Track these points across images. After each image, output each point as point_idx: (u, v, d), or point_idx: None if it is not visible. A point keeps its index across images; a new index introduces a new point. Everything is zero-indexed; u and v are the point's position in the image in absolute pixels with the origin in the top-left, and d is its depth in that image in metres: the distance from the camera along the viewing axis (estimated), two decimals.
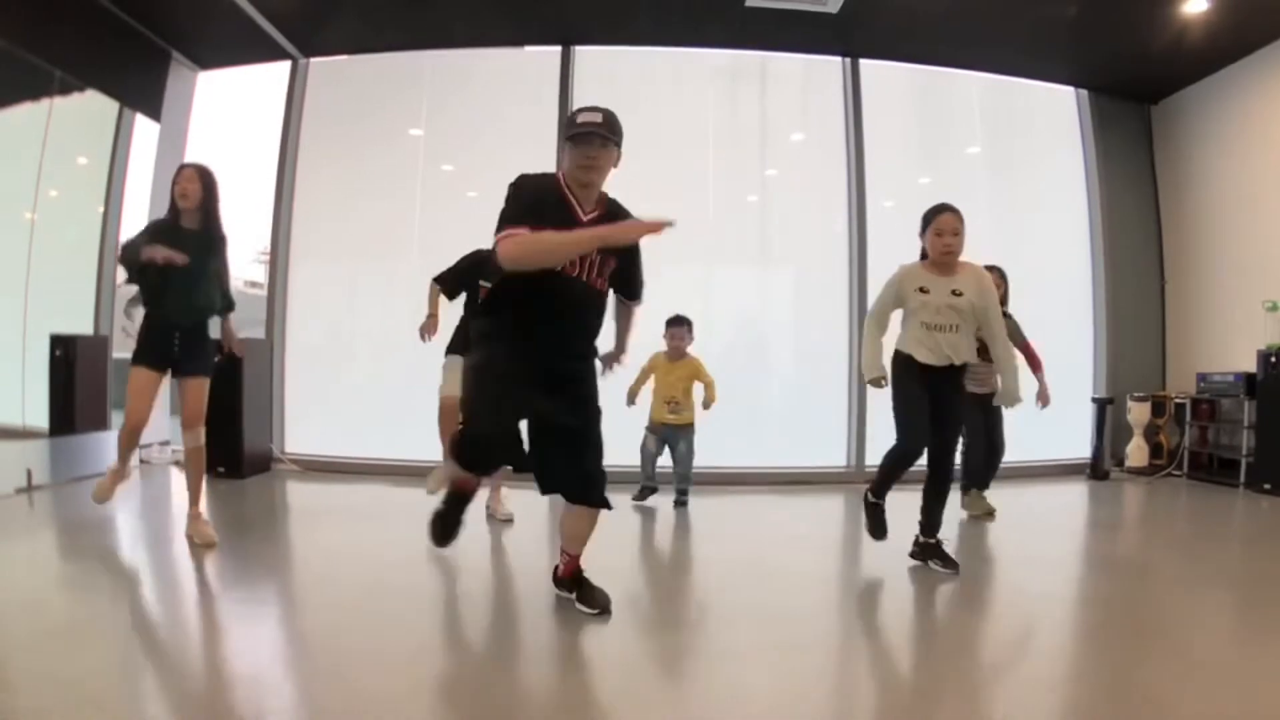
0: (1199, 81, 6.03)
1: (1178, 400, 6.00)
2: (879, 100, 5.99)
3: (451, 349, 3.92)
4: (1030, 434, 5.72)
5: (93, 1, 4.97)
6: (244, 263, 7.76)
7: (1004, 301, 4.32)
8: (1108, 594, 3.05)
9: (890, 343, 3.26)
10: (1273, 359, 5.19)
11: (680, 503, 4.53)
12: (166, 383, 3.46)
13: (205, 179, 3.37)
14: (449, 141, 6.07)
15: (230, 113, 6.78)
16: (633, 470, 4.70)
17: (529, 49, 6.00)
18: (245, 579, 3.02)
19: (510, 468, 2.62)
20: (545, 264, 2.30)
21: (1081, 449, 6.02)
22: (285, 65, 6.00)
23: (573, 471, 2.51)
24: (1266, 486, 5.11)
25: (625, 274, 2.57)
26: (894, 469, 3.23)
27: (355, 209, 5.98)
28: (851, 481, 5.47)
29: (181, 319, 3.36)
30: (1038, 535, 4.10)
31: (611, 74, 5.93)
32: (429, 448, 4.12)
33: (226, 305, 3.58)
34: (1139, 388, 6.13)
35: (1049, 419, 5.89)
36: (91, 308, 5.28)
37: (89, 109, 5.22)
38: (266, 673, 2.08)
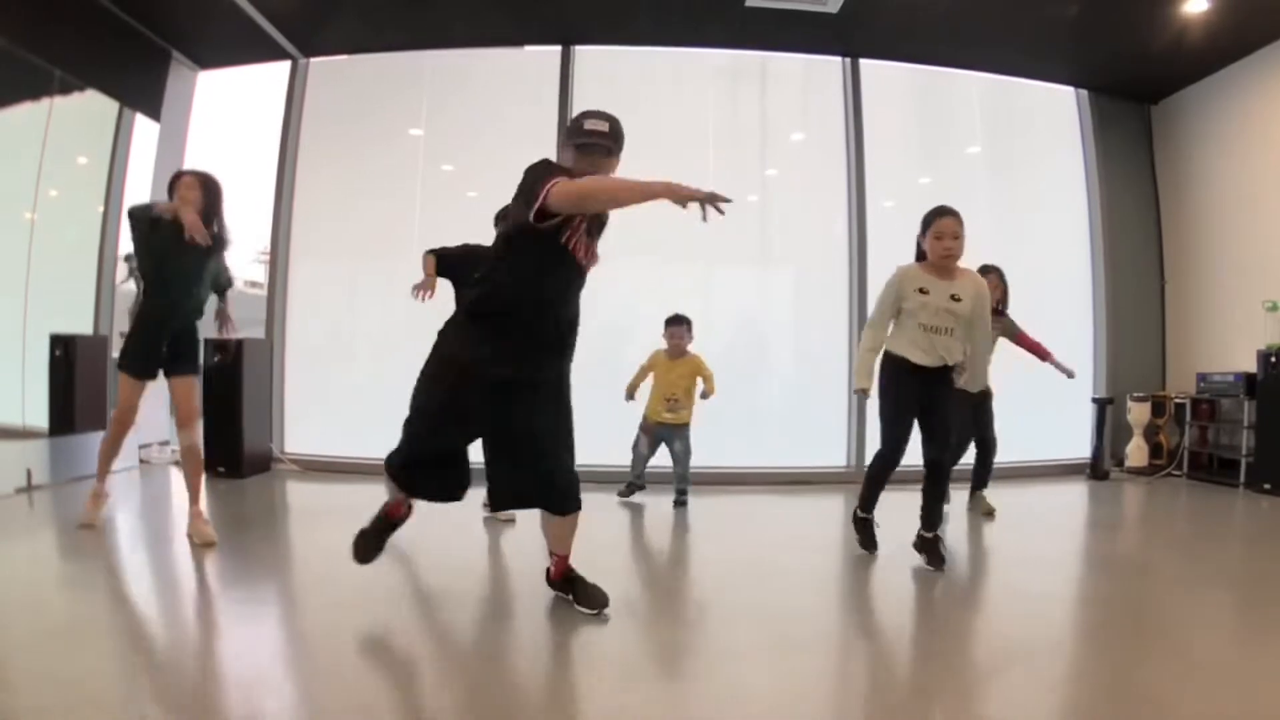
0: (1199, 81, 6.03)
1: (1178, 400, 6.00)
2: (879, 100, 5.98)
3: None
4: (1030, 434, 5.75)
5: (93, 1, 4.96)
6: (244, 262, 7.76)
7: (1004, 303, 4.33)
8: (1108, 594, 3.05)
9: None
10: (1273, 359, 5.19)
11: (680, 502, 4.53)
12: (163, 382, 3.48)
13: (206, 185, 3.36)
14: (449, 141, 6.07)
15: (230, 112, 6.78)
16: (621, 470, 4.72)
17: (529, 49, 5.99)
18: (245, 579, 3.02)
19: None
20: (605, 206, 2.27)
21: (1081, 449, 6.02)
22: (285, 65, 5.99)
23: (544, 481, 2.48)
24: (1266, 486, 5.11)
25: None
26: (878, 477, 3.35)
27: (355, 209, 5.97)
28: (851, 481, 5.45)
29: (174, 320, 3.38)
30: (1038, 535, 4.10)
31: (611, 74, 5.93)
32: None
33: (227, 284, 3.61)
34: (1139, 388, 6.13)
35: (1048, 419, 5.94)
36: (91, 308, 5.27)
37: (89, 108, 5.21)
38: (266, 672, 2.09)
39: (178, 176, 3.41)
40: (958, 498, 4.42)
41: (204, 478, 3.58)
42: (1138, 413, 6.00)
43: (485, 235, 2.86)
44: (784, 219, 6.09)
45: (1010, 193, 6.39)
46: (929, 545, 3.24)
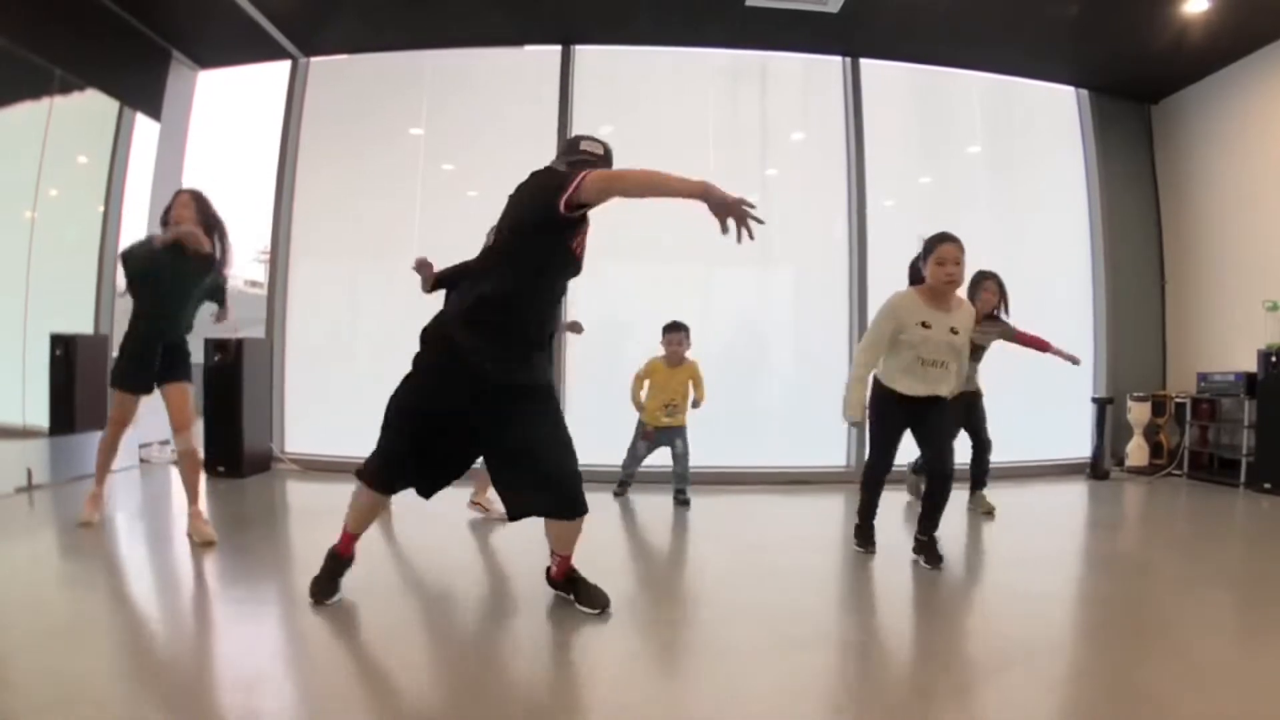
0: (1199, 81, 6.03)
1: (1178, 400, 6.00)
2: (879, 100, 5.98)
3: None
4: (1030, 434, 5.75)
5: (93, 0, 4.96)
6: (244, 262, 7.76)
7: (1002, 309, 4.33)
8: (1108, 594, 3.05)
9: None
10: (1273, 358, 5.19)
11: (682, 502, 4.54)
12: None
13: (199, 204, 3.39)
14: (449, 141, 6.07)
15: (230, 112, 6.78)
16: (615, 470, 4.72)
17: (529, 48, 5.99)
18: (245, 578, 3.02)
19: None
20: (641, 193, 2.22)
21: (1081, 449, 6.02)
22: (285, 65, 5.99)
23: (549, 488, 2.47)
24: (1267, 486, 5.11)
25: None
26: (873, 487, 3.45)
27: (355, 208, 5.97)
28: (851, 481, 5.44)
29: (167, 334, 3.41)
30: (1038, 535, 4.10)
31: (611, 74, 5.93)
32: None
33: (221, 297, 3.63)
34: (1139, 387, 6.13)
35: (1048, 418, 5.94)
36: (92, 307, 5.27)
37: (89, 108, 5.21)
38: (266, 672, 2.08)
39: (175, 196, 3.46)
40: (958, 497, 4.41)
41: (204, 478, 3.59)
42: (1138, 412, 6.01)
43: (485, 235, 2.86)
44: (784, 219, 6.08)
45: (1010, 192, 6.39)
46: (926, 546, 3.28)
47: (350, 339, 6.21)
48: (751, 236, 2.12)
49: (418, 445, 2.47)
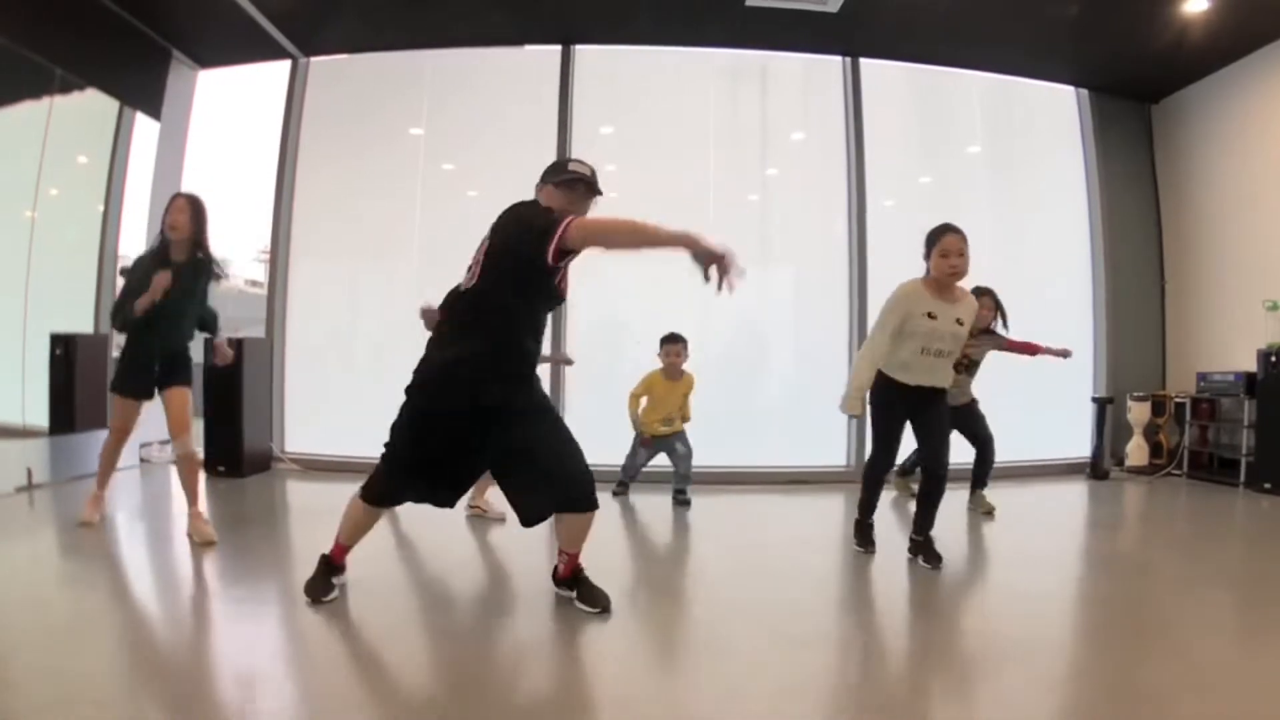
0: (1199, 81, 6.03)
1: (1178, 400, 6.00)
2: (879, 100, 5.98)
3: None
4: (1030, 434, 5.75)
5: (93, 0, 4.96)
6: (244, 262, 7.76)
7: (1000, 325, 4.34)
8: (1108, 594, 3.05)
9: None
10: (1273, 358, 5.19)
11: (682, 502, 4.54)
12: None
13: (194, 208, 3.40)
14: (449, 141, 6.07)
15: (230, 112, 6.78)
16: (615, 469, 4.72)
17: (529, 48, 5.99)
18: (245, 577, 3.02)
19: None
20: (625, 244, 2.26)
21: (1081, 448, 6.02)
22: (285, 64, 5.99)
23: (558, 484, 2.49)
24: (1267, 486, 5.11)
25: None
26: (874, 484, 3.43)
27: (355, 208, 5.97)
28: (851, 481, 5.45)
29: (166, 348, 3.43)
30: (1038, 534, 4.10)
31: (612, 73, 5.93)
32: None
33: (213, 323, 3.66)
34: (1139, 387, 6.13)
35: (1048, 418, 5.94)
36: (91, 306, 5.27)
37: (89, 107, 5.21)
38: (266, 671, 2.09)
39: (171, 200, 3.46)
40: (958, 497, 4.42)
41: (203, 478, 3.59)
42: (1138, 412, 6.01)
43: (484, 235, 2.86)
44: (784, 219, 6.09)
45: (1010, 192, 6.39)
46: (923, 546, 3.27)
47: (350, 339, 6.21)
48: (731, 289, 2.11)
49: (423, 461, 2.47)
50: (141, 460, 5.51)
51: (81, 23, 4.89)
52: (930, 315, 3.12)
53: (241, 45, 5.75)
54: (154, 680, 2.02)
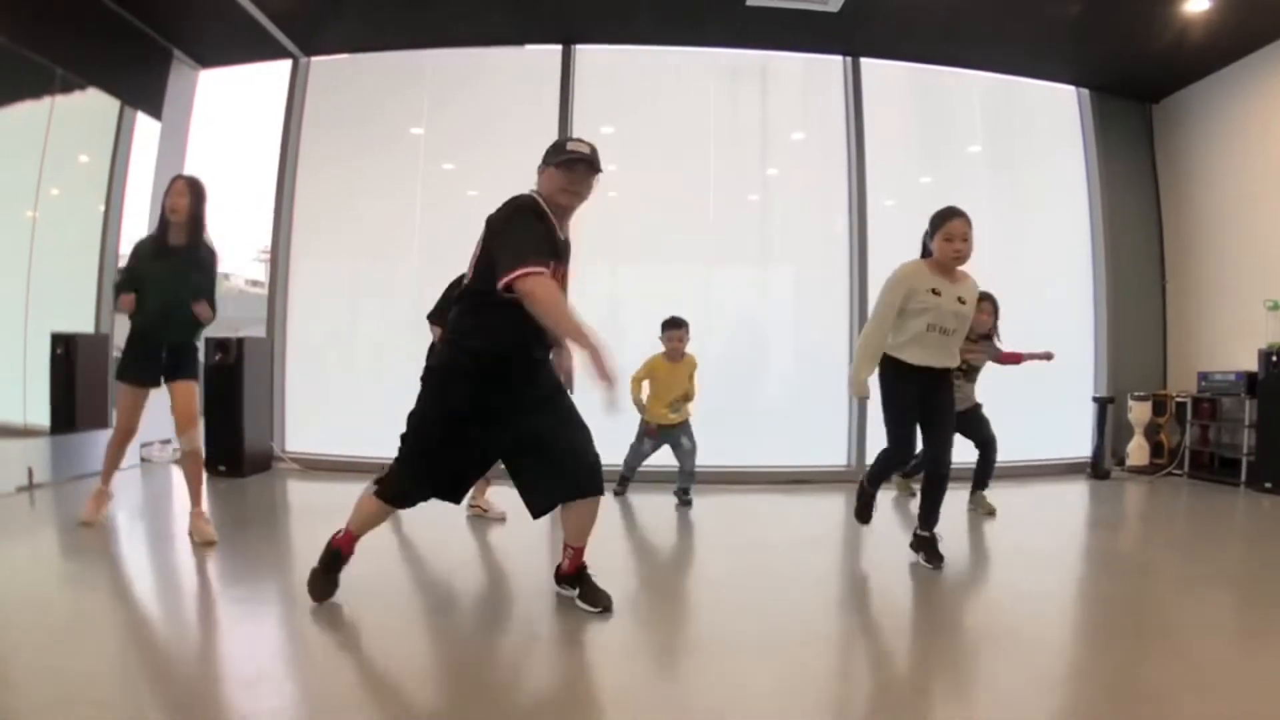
0: (1200, 80, 6.03)
1: (1179, 399, 6.00)
2: (880, 99, 5.98)
3: None
4: (1031, 433, 5.75)
5: (94, 0, 4.97)
6: (244, 262, 7.76)
7: (995, 331, 4.35)
8: (1108, 593, 3.05)
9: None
10: (1274, 358, 5.19)
11: (685, 501, 4.53)
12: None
13: (194, 191, 3.40)
14: (450, 140, 6.07)
15: (231, 111, 6.78)
16: (616, 468, 4.71)
17: (530, 48, 5.99)
18: (246, 577, 3.02)
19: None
20: (546, 319, 2.31)
21: (1082, 448, 6.02)
22: (286, 64, 5.99)
23: (567, 465, 2.50)
24: (1267, 485, 5.11)
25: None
26: (886, 470, 3.38)
27: (355, 208, 5.98)
28: (851, 481, 5.44)
29: (165, 334, 3.40)
30: (1038, 534, 4.10)
31: (612, 73, 5.93)
32: None
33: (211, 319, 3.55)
34: (1140, 387, 6.12)
35: (1049, 418, 5.93)
36: (92, 306, 5.28)
37: (90, 107, 5.21)
38: (266, 671, 2.09)
39: (171, 183, 3.45)
40: (958, 497, 4.42)
41: (205, 478, 3.59)
42: (1139, 412, 6.00)
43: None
44: (784, 218, 6.09)
45: (1011, 192, 6.38)
46: (926, 543, 3.25)
47: (350, 339, 6.21)
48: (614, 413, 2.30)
49: (442, 454, 2.47)
50: (142, 460, 5.51)
51: (82, 22, 4.90)
52: (934, 292, 3.11)
53: (242, 45, 5.76)
54: (154, 680, 2.03)
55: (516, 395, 2.46)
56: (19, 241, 4.72)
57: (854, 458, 5.73)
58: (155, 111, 5.66)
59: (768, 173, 6.15)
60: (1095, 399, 6.04)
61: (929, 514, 3.25)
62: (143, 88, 5.55)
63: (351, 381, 5.97)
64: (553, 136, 5.58)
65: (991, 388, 4.47)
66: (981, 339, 4.21)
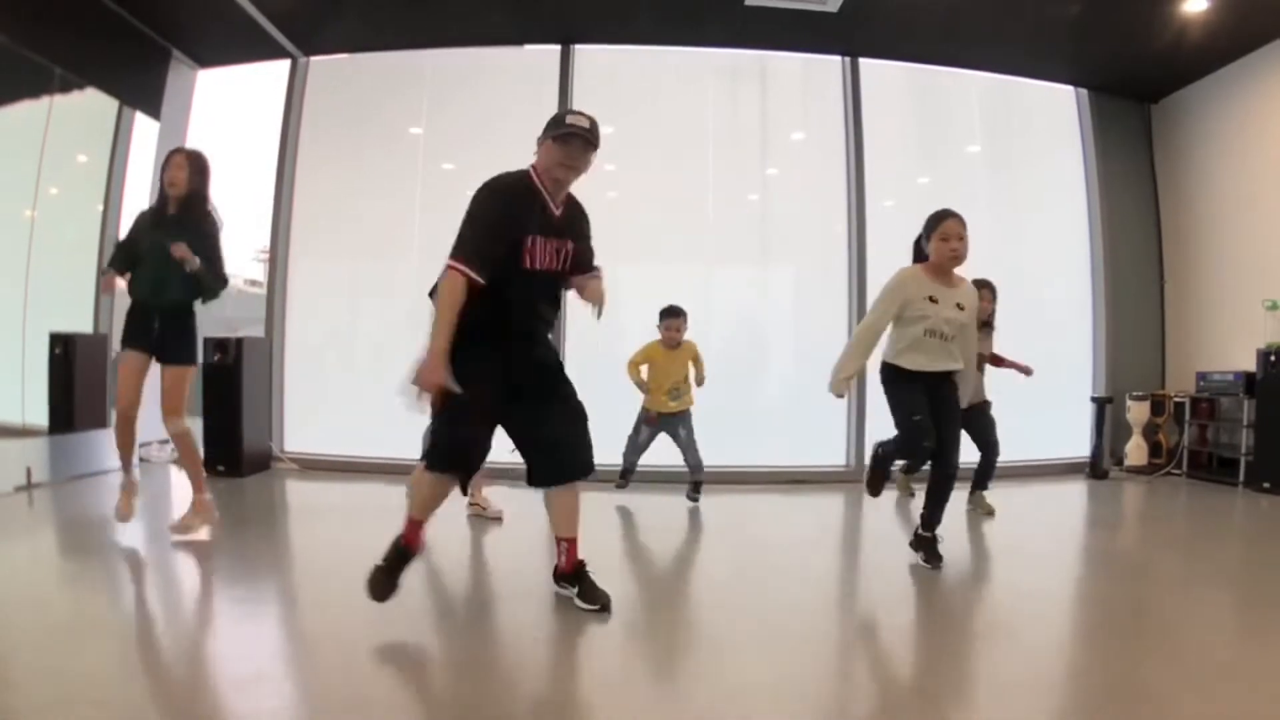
0: (1199, 80, 6.03)
1: (1177, 399, 6.00)
2: (879, 100, 5.98)
3: None
4: (1030, 433, 5.75)
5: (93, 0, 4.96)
6: (244, 262, 7.76)
7: (992, 318, 4.34)
8: (1107, 593, 3.06)
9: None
10: (1272, 358, 5.19)
11: (693, 497, 4.52)
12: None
13: (194, 163, 3.35)
14: (449, 140, 6.07)
15: (230, 111, 6.77)
16: (614, 467, 4.70)
17: (529, 48, 5.99)
18: (245, 577, 3.02)
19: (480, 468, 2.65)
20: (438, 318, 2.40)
21: (1081, 448, 6.03)
22: (285, 64, 5.99)
23: (570, 446, 2.55)
24: (1266, 485, 5.11)
25: (581, 258, 2.71)
26: (909, 444, 3.20)
27: (355, 208, 5.97)
28: (851, 481, 5.47)
29: (153, 300, 3.33)
30: (1037, 534, 4.11)
31: (611, 73, 5.93)
32: None
33: (217, 284, 3.43)
34: (1138, 386, 6.13)
35: (1048, 418, 5.94)
36: (91, 306, 5.27)
37: (89, 107, 5.21)
38: (266, 671, 2.08)
39: (170, 156, 3.41)
40: (958, 497, 4.42)
41: (200, 458, 3.55)
42: (1137, 412, 6.01)
43: None
44: (784, 218, 6.09)
45: (1010, 192, 6.39)
46: (926, 544, 3.23)
47: (350, 339, 6.21)
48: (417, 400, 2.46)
49: (481, 413, 2.47)
50: (141, 460, 5.50)
51: (81, 22, 4.89)
52: (931, 299, 3.10)
53: (241, 45, 5.75)
54: (154, 680, 2.02)
55: (513, 376, 2.48)
56: (17, 241, 4.72)
57: (854, 458, 5.73)
58: (154, 111, 5.65)
59: (767, 173, 6.15)
60: (1094, 399, 6.05)
61: (932, 514, 3.23)
62: (141, 87, 5.54)
63: (350, 381, 5.97)
64: None
65: (991, 388, 4.47)
66: (983, 325, 4.19)
